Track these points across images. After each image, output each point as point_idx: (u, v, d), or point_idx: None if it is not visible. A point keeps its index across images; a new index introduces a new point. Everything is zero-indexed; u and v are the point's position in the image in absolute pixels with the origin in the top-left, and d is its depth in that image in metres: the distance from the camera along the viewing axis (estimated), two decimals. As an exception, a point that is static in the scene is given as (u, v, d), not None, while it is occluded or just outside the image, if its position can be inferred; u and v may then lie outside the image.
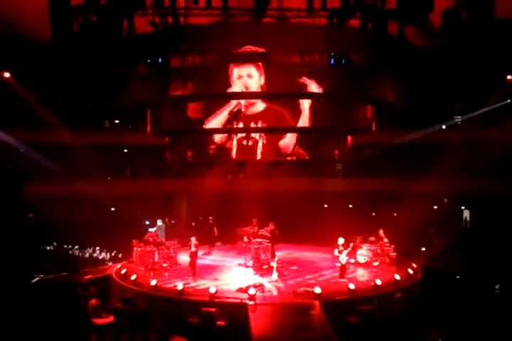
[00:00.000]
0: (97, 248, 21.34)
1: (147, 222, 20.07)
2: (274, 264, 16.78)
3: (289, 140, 20.04)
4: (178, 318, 13.96)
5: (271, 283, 15.94)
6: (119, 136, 25.85)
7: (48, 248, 22.08)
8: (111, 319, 14.54)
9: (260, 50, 19.12)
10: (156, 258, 18.30)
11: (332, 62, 20.04)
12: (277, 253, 18.87)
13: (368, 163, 23.40)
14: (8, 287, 15.09)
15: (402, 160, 23.82)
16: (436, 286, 16.35)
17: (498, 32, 23.20)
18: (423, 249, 21.23)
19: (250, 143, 19.76)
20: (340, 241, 16.84)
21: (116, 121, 27.54)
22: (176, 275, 17.18)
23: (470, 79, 23.23)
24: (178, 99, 19.95)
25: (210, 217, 21.35)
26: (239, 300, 14.25)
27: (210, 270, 18.11)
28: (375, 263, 18.63)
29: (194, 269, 16.85)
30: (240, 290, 15.01)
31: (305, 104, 19.69)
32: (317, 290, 14.63)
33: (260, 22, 21.17)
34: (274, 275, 16.35)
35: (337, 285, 15.94)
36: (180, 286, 15.09)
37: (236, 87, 19.30)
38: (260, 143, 19.72)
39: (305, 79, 19.29)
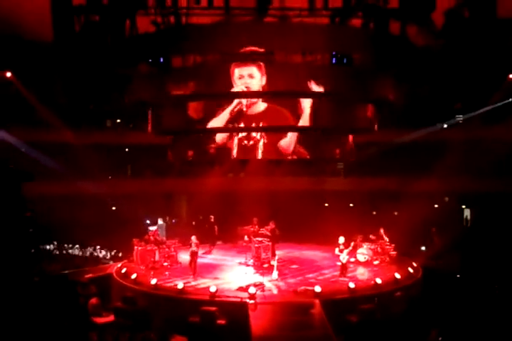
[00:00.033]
0: (98, 247, 21.39)
1: (148, 221, 20.09)
2: (274, 263, 16.79)
3: (289, 140, 20.01)
4: (179, 317, 13.97)
5: (271, 282, 15.95)
6: (120, 136, 25.92)
7: (48, 247, 22.12)
8: (111, 318, 14.58)
9: (262, 50, 19.08)
10: (157, 257, 18.32)
11: (334, 61, 20.00)
12: (278, 252, 18.90)
13: (369, 162, 23.40)
14: (6, 286, 15.16)
15: (403, 160, 23.82)
16: (437, 285, 16.34)
17: (500, 31, 23.16)
18: (423, 248, 21.22)
19: (251, 142, 19.74)
20: (341, 240, 16.85)
21: (118, 121, 27.61)
22: (177, 274, 17.19)
23: (472, 79, 23.20)
24: (179, 99, 19.93)
25: (211, 216, 21.37)
26: (239, 299, 14.26)
27: (210, 269, 18.13)
28: (376, 262, 18.64)
29: (194, 268, 16.87)
30: (241, 289, 15.02)
31: (306, 103, 19.67)
32: (317, 289, 14.63)
33: (262, 22, 21.15)
34: (275, 274, 16.36)
35: (337, 284, 15.94)
36: (180, 285, 15.10)
37: (237, 87, 19.29)
38: (261, 143, 19.70)
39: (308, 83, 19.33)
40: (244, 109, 19.49)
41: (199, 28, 19.92)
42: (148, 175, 26.33)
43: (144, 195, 23.67)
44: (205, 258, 19.59)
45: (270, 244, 18.58)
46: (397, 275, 16.07)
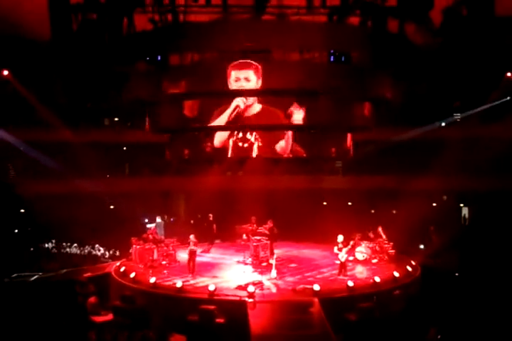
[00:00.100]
0: (96, 245, 21.36)
1: (146, 220, 20.08)
2: (273, 262, 16.79)
3: (285, 144, 19.96)
4: (177, 316, 13.97)
5: (270, 281, 15.96)
6: (118, 134, 25.87)
7: (47, 245, 22.10)
8: (110, 317, 14.56)
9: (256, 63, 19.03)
10: (155, 256, 18.31)
11: (332, 59, 19.99)
12: (276, 251, 18.92)
13: (367, 160, 23.40)
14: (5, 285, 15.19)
15: (401, 158, 23.83)
16: (435, 283, 16.37)
17: (498, 29, 23.17)
18: (422, 246, 21.24)
19: (246, 145, 19.73)
20: (340, 238, 16.84)
21: (116, 119, 27.56)
22: (175, 272, 17.19)
23: (470, 77, 23.21)
24: (176, 97, 19.90)
25: (210, 215, 21.36)
26: (238, 298, 14.27)
27: (209, 267, 18.13)
28: (374, 261, 18.65)
29: (193, 267, 16.85)
30: (239, 287, 15.03)
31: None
32: (316, 287, 14.64)
33: (260, 19, 21.11)
34: (273, 272, 16.36)
35: (336, 282, 15.95)
36: (179, 284, 15.09)
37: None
38: (256, 146, 19.69)
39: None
40: (242, 113, 19.47)
41: (197, 25, 19.87)
42: (146, 174, 26.27)
43: (142, 194, 23.63)
44: (203, 257, 19.57)
45: (268, 242, 18.60)
46: (396, 274, 16.08)
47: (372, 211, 25.32)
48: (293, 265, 18.59)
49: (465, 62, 22.95)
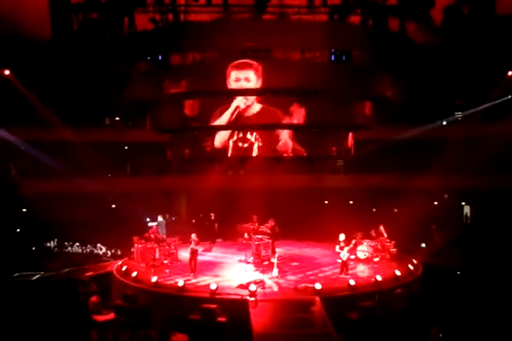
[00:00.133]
0: (98, 245, 21.39)
1: (148, 219, 20.09)
2: (274, 260, 16.79)
3: (284, 143, 19.91)
4: (179, 315, 13.97)
5: (271, 280, 15.97)
6: (119, 133, 25.92)
7: (48, 244, 22.12)
8: (112, 316, 14.59)
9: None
10: (157, 255, 18.33)
11: (333, 58, 19.96)
12: (278, 250, 18.88)
13: (368, 159, 23.40)
14: (6, 284, 15.20)
15: (402, 157, 23.87)
16: (437, 282, 16.37)
17: (499, 28, 23.14)
18: (423, 244, 21.23)
19: (246, 145, 19.70)
20: (342, 237, 16.84)
21: (117, 119, 27.59)
22: (177, 271, 17.20)
23: (471, 75, 23.20)
24: (178, 96, 19.88)
25: (212, 214, 21.36)
26: (240, 297, 14.28)
27: (210, 266, 18.15)
28: (376, 259, 18.65)
29: (194, 266, 16.86)
30: (241, 286, 15.04)
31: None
32: (318, 286, 14.65)
33: (260, 19, 21.09)
34: (275, 271, 16.37)
35: (338, 281, 15.95)
36: (180, 283, 15.11)
37: None
38: (256, 146, 19.67)
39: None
40: (243, 113, 19.43)
41: (197, 25, 19.85)
42: (147, 173, 26.33)
43: (144, 193, 23.67)
44: (205, 256, 19.60)
45: (270, 241, 18.59)
46: (398, 273, 16.08)
47: (374, 209, 25.34)
48: (294, 264, 18.60)
49: (466, 61, 22.93)
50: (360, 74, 19.85)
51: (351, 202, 25.76)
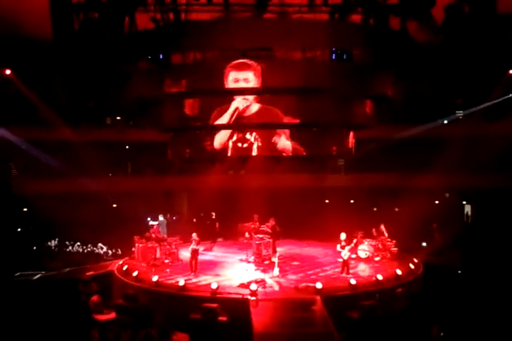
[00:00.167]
0: (99, 244, 21.39)
1: (149, 219, 20.10)
2: (275, 260, 16.81)
3: (284, 143, 19.89)
4: (180, 314, 13.98)
5: (272, 279, 15.97)
6: (120, 133, 25.92)
7: (49, 244, 22.12)
8: (113, 315, 14.56)
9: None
10: (158, 255, 18.34)
11: (333, 57, 19.94)
12: (279, 249, 18.90)
13: (369, 158, 23.38)
14: (8, 283, 15.20)
15: (403, 156, 23.84)
16: (438, 281, 16.36)
17: (501, 27, 23.12)
18: (424, 244, 21.20)
19: (245, 145, 19.69)
20: (343, 236, 16.84)
21: (118, 118, 27.59)
22: (178, 271, 17.21)
23: (472, 74, 23.17)
24: (178, 96, 19.88)
25: (212, 213, 21.36)
26: (240, 296, 14.28)
27: (211, 266, 18.16)
28: (377, 259, 18.65)
29: (195, 266, 16.86)
30: (242, 285, 15.04)
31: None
32: (319, 285, 14.65)
33: (261, 18, 21.08)
34: (276, 270, 16.38)
35: (338, 280, 15.95)
36: (181, 282, 15.11)
37: None
38: (255, 146, 19.66)
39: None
40: (242, 114, 19.41)
41: (198, 24, 19.84)
42: (148, 173, 26.33)
43: (145, 193, 23.67)
44: (206, 255, 19.60)
45: (271, 240, 18.59)
46: (398, 272, 16.07)
47: (375, 209, 25.33)
48: (295, 263, 18.60)
49: (467, 60, 22.91)
50: (361, 73, 19.84)
51: (352, 202, 25.75)
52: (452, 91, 24.34)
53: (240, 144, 19.61)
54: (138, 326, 13.15)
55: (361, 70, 20.03)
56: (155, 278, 15.53)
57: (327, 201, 25.97)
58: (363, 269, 17.59)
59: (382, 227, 19.34)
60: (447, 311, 13.76)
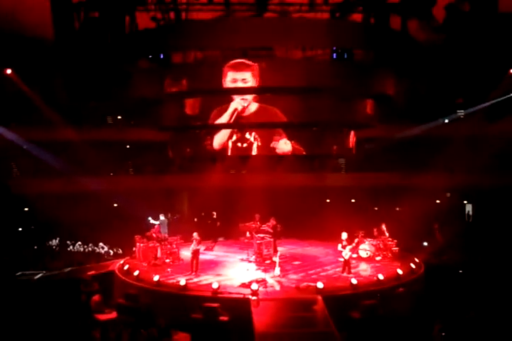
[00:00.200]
0: (100, 244, 21.38)
1: (150, 218, 20.08)
2: (276, 259, 16.79)
3: (282, 147, 19.84)
4: (181, 314, 14.00)
5: (273, 278, 15.96)
6: (121, 132, 25.92)
7: (50, 243, 22.12)
8: (114, 315, 14.61)
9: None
10: (159, 254, 18.33)
11: (334, 56, 19.92)
12: (280, 249, 18.90)
13: (370, 157, 23.39)
14: (9, 283, 15.19)
15: (404, 155, 23.83)
16: (439, 281, 16.36)
17: (501, 25, 23.10)
18: (425, 243, 21.20)
19: (245, 145, 19.67)
20: (344, 236, 16.83)
21: (119, 117, 27.59)
22: (179, 270, 17.20)
23: (473, 73, 23.15)
24: (178, 95, 19.87)
25: (214, 212, 21.35)
26: (241, 296, 14.26)
27: (212, 265, 18.15)
28: (378, 258, 18.63)
29: (196, 266, 16.86)
30: (243, 285, 15.03)
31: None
32: (320, 285, 14.65)
33: (262, 17, 21.07)
34: (277, 270, 16.37)
35: (340, 280, 15.94)
36: (182, 282, 15.11)
37: None
38: (255, 145, 19.64)
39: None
40: (241, 113, 19.39)
41: (199, 23, 19.82)
42: (149, 172, 26.33)
43: (146, 192, 23.67)
44: (207, 255, 19.59)
45: (272, 240, 18.59)
46: (400, 271, 16.06)
47: (376, 208, 25.31)
48: (296, 262, 18.58)
49: (468, 59, 22.89)
50: (362, 73, 19.80)
51: (353, 201, 25.74)
52: (453, 91, 24.32)
53: (239, 144, 19.58)
54: (139, 326, 13.16)
55: (362, 69, 20.00)
56: (156, 278, 15.52)
57: (328, 200, 25.95)
58: (364, 269, 17.56)
59: (383, 227, 19.33)
60: (448, 311, 13.76)
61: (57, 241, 22.11)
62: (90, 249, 21.40)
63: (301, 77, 18.58)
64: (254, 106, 19.15)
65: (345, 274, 16.43)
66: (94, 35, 22.09)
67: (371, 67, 20.04)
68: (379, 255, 18.74)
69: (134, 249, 19.02)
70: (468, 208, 25.43)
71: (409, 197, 21.07)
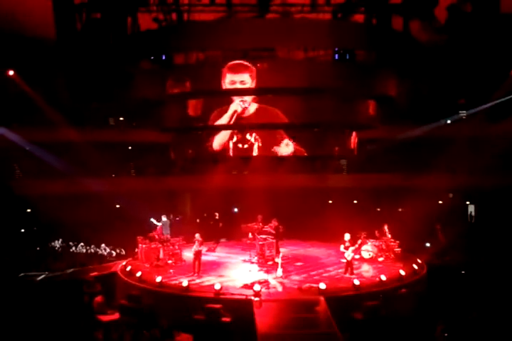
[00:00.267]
0: (102, 245, 21.39)
1: (152, 219, 20.10)
2: (278, 260, 16.80)
3: (284, 151, 19.81)
4: (184, 315, 14.00)
5: (276, 280, 15.97)
6: (123, 134, 25.94)
7: (53, 245, 22.14)
8: (116, 316, 14.62)
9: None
10: (161, 255, 18.34)
11: (336, 57, 19.92)
12: (282, 250, 18.92)
13: (372, 158, 23.36)
14: (11, 284, 15.19)
15: (406, 156, 23.80)
16: (442, 281, 16.34)
17: (504, 26, 23.06)
18: (428, 244, 21.18)
19: (246, 146, 19.66)
20: (347, 237, 16.83)
21: (121, 119, 27.61)
22: (181, 271, 17.22)
23: (475, 74, 23.12)
24: (179, 96, 19.88)
25: (216, 213, 21.34)
26: (244, 297, 14.27)
27: (214, 266, 18.16)
28: (380, 259, 18.62)
29: (199, 267, 16.85)
30: (245, 286, 15.05)
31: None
32: (322, 286, 14.64)
33: (264, 18, 21.07)
34: (279, 271, 16.36)
35: (342, 281, 15.93)
36: (185, 283, 15.11)
37: None
38: (256, 146, 19.63)
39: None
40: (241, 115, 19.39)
41: (201, 24, 19.83)
42: (151, 173, 26.34)
43: (148, 193, 23.68)
44: (209, 256, 19.60)
45: (274, 241, 18.58)
46: (402, 272, 16.05)
47: (378, 209, 25.28)
48: (299, 263, 18.59)
49: (470, 59, 22.86)
50: (364, 73, 19.79)
51: (355, 202, 25.72)
52: (455, 91, 24.29)
53: (240, 145, 19.57)
54: (141, 327, 13.17)
55: (364, 70, 19.99)
56: (158, 279, 15.52)
57: (330, 201, 25.94)
58: (367, 270, 17.56)
59: (386, 228, 19.32)
60: (451, 311, 13.74)
61: (59, 242, 22.14)
62: (93, 250, 21.41)
63: (303, 78, 18.54)
64: (253, 107, 19.16)
65: (347, 275, 16.43)
66: (96, 36, 22.10)
67: (373, 67, 20.02)
68: (381, 256, 18.73)
69: (136, 250, 19.04)
70: (471, 209, 25.39)
71: (412, 198, 21.05)
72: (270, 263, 17.62)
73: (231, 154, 19.60)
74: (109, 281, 16.95)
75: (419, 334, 12.74)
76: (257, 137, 19.55)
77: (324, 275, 16.88)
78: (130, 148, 27.10)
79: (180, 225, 22.60)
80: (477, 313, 13.58)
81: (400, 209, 24.29)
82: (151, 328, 12.98)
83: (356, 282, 15.03)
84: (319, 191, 24.62)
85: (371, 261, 18.58)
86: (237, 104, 18.82)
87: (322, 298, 14.16)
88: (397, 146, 23.51)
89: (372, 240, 19.03)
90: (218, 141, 19.83)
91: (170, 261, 18.34)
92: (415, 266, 17.09)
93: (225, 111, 18.93)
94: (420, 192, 21.05)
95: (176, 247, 18.85)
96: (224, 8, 20.51)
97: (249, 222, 20.62)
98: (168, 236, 19.65)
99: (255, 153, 19.50)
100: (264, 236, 18.52)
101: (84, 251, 21.50)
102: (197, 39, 19.13)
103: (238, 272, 17.16)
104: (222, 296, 14.40)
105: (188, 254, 18.07)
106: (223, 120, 18.92)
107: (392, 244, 18.91)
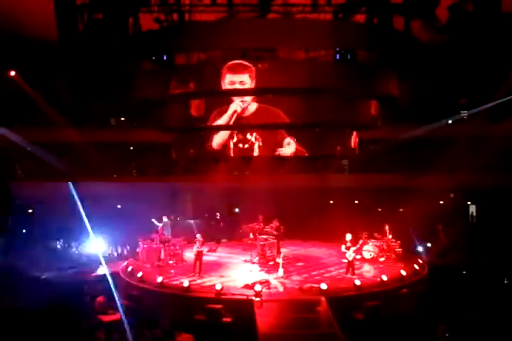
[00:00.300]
0: (103, 245, 21.38)
1: (153, 219, 20.10)
2: (279, 260, 16.80)
3: (286, 152, 19.79)
4: (185, 315, 14.03)
5: (277, 280, 15.98)
6: (125, 134, 25.93)
7: (54, 245, 22.16)
8: (118, 316, 14.61)
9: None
10: (162, 255, 18.35)
11: (337, 57, 19.91)
12: (283, 250, 18.91)
13: (374, 158, 23.34)
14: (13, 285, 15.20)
15: (408, 156, 23.77)
16: (443, 282, 16.33)
17: (505, 26, 23.03)
18: (429, 244, 21.17)
19: (246, 146, 19.66)
20: (348, 237, 16.83)
21: (122, 119, 27.62)
22: (182, 272, 17.23)
23: (476, 74, 23.08)
24: (181, 96, 19.89)
25: (217, 213, 21.34)
26: (245, 297, 14.31)
27: (215, 266, 18.17)
28: (381, 259, 18.62)
29: (200, 267, 16.87)
30: (246, 286, 15.07)
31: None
32: (323, 286, 14.65)
33: (265, 18, 21.06)
34: (280, 271, 16.37)
35: (343, 281, 15.94)
36: (186, 283, 15.13)
37: None
38: (256, 146, 19.62)
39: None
40: (242, 114, 19.37)
41: (202, 24, 19.84)
42: (153, 173, 26.34)
43: (149, 193, 23.66)
44: (210, 256, 19.60)
45: (275, 241, 18.59)
46: (403, 272, 16.04)
47: (379, 209, 25.26)
48: (300, 264, 18.61)
49: (471, 59, 22.82)
50: (365, 74, 19.78)
51: (357, 202, 25.70)
52: (457, 91, 24.25)
53: (241, 145, 19.58)
54: (143, 327, 13.19)
55: (365, 70, 19.98)
56: (159, 279, 15.54)
57: (331, 201, 25.92)
58: (368, 270, 17.57)
59: (387, 228, 19.31)
60: (452, 311, 13.74)
61: (61, 242, 22.15)
62: (93, 250, 21.40)
63: (304, 78, 18.54)
64: (253, 107, 19.16)
65: (348, 275, 16.43)
66: (98, 36, 22.12)
67: (374, 67, 20.01)
68: (382, 256, 18.73)
69: (137, 250, 19.04)
70: (472, 209, 25.35)
71: (413, 198, 21.02)
72: (271, 263, 17.65)
73: (232, 154, 19.62)
74: (111, 282, 16.95)
75: (420, 334, 12.74)
76: (257, 137, 19.56)
77: (325, 275, 16.89)
78: (131, 148, 27.09)
79: (181, 225, 22.58)
80: (478, 313, 13.58)
81: (401, 209, 24.26)
82: (152, 328, 13.01)
83: (357, 282, 15.04)
84: (320, 191, 24.59)
85: (372, 261, 18.58)
86: (236, 104, 18.83)
87: (323, 298, 14.17)
88: (399, 146, 23.47)
89: (373, 240, 19.03)
90: (217, 140, 19.82)
91: (171, 262, 18.37)
92: (416, 266, 17.09)
93: (225, 111, 18.94)
94: (421, 192, 21.01)
95: (177, 247, 18.87)
96: (225, 9, 20.50)
97: (251, 222, 20.65)
98: (169, 236, 19.67)
99: (256, 152, 19.51)
100: (265, 237, 18.54)
101: (84, 251, 21.50)
102: (198, 39, 19.12)
103: (239, 272, 17.17)
104: (223, 296, 14.43)
105: (189, 255, 18.08)
106: (223, 120, 18.92)
107: (393, 244, 18.91)
